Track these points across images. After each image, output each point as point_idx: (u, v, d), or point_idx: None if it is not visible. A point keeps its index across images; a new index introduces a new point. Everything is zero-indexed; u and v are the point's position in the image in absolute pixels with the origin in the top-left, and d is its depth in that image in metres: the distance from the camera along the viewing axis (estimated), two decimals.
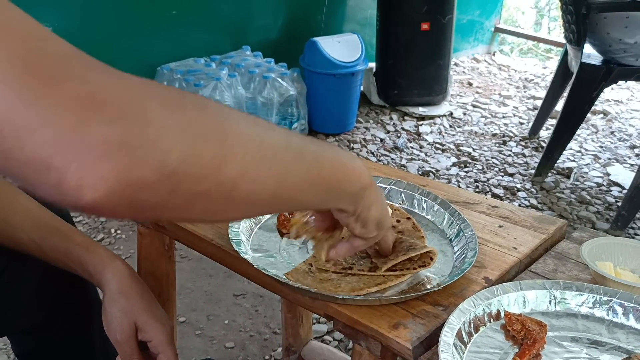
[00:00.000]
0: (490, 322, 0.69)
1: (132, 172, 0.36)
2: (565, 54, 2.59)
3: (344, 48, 2.68)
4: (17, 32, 0.35)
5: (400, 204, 0.95)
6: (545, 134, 2.85)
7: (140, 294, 0.82)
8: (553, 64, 4.12)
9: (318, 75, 2.65)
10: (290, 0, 3.06)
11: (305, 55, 2.70)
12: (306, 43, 2.69)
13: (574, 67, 2.38)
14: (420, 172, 2.48)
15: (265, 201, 0.48)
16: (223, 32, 2.85)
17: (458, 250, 0.82)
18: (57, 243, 0.82)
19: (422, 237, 0.85)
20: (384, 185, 0.97)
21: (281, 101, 2.55)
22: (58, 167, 0.34)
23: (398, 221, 0.88)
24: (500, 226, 0.90)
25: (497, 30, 4.16)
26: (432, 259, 0.77)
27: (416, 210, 0.93)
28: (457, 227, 0.86)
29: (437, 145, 2.74)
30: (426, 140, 2.79)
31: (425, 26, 2.92)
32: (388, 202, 0.93)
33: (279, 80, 2.54)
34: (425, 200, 0.94)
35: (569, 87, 2.58)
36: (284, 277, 0.75)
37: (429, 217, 0.92)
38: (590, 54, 2.33)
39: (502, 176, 2.48)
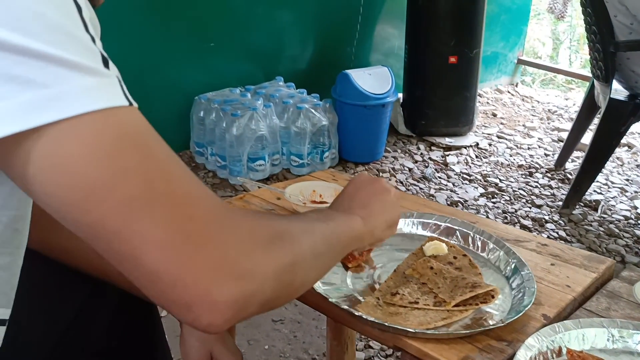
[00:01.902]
0: (553, 357, 0.74)
1: (245, 312, 0.50)
2: (591, 88, 2.65)
3: (374, 80, 2.76)
4: (177, 201, 0.46)
5: (455, 241, 1.00)
6: (571, 166, 2.89)
7: None
8: (575, 95, 4.18)
9: (349, 106, 2.73)
10: (321, 33, 3.16)
11: (337, 86, 2.78)
12: (338, 75, 2.78)
13: (602, 102, 2.43)
14: (448, 202, 2.54)
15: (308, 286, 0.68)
16: (257, 63, 2.95)
17: (515, 287, 0.88)
18: None
19: (479, 274, 0.90)
20: (439, 223, 1.03)
21: (314, 131, 2.63)
22: (198, 312, 0.47)
23: (455, 258, 0.93)
24: (552, 264, 0.95)
25: (520, 62, 4.23)
26: (493, 296, 0.82)
27: (471, 248, 0.99)
28: (513, 264, 0.91)
29: (465, 176, 2.80)
30: (453, 170, 2.85)
31: (452, 59, 3.00)
32: (444, 239, 0.99)
33: (312, 110, 2.62)
34: (479, 238, 0.99)
35: (595, 121, 2.63)
36: (357, 310, 0.80)
37: (484, 254, 0.97)
38: (617, 88, 2.39)
39: (530, 207, 2.52)
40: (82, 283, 0.89)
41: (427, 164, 2.90)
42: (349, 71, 2.76)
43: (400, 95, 3.17)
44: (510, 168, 2.91)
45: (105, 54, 0.45)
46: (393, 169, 2.82)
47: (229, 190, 2.50)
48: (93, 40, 0.44)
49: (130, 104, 0.45)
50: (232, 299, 0.47)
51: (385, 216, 0.80)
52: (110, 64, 0.45)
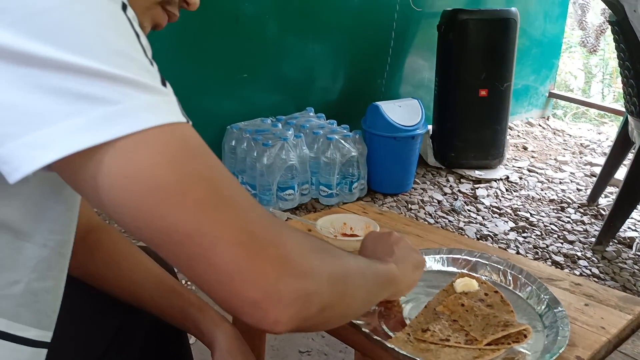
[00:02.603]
0: None
1: (307, 312, 0.52)
2: (625, 122, 2.62)
3: (404, 112, 2.78)
4: (240, 205, 0.49)
5: (486, 276, 1.00)
6: (604, 201, 2.84)
7: (245, 354, 0.89)
8: (607, 129, 4.13)
9: (379, 138, 2.74)
10: (352, 65, 3.20)
11: (367, 118, 2.81)
12: (368, 107, 2.81)
13: (636, 137, 2.40)
14: (478, 236, 2.51)
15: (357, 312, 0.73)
16: (288, 94, 3.00)
17: (548, 326, 0.86)
18: (174, 302, 0.90)
19: (511, 311, 0.89)
20: (469, 258, 1.02)
21: (343, 161, 2.65)
22: (264, 307, 0.49)
23: (486, 294, 0.93)
24: (586, 304, 0.93)
25: (552, 95, 4.21)
26: (526, 336, 0.81)
27: (503, 284, 0.98)
28: (546, 302, 0.90)
29: (494, 209, 2.77)
30: (483, 203, 2.82)
31: (483, 92, 3.00)
32: (475, 274, 0.98)
33: (342, 141, 2.64)
34: (511, 274, 0.98)
35: (630, 156, 2.59)
36: (389, 344, 0.80)
37: (516, 291, 0.96)
38: None
39: (562, 243, 2.48)
40: (116, 310, 0.91)
41: (456, 197, 2.88)
42: (379, 103, 2.79)
43: (430, 127, 3.18)
44: (542, 202, 2.88)
45: (161, 75, 0.49)
46: (422, 200, 2.81)
47: None
48: (151, 63, 0.48)
49: (188, 121, 0.49)
50: (295, 295, 0.50)
51: (410, 259, 0.85)
52: (167, 84, 0.49)
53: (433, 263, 1.03)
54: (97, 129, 0.43)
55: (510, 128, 3.87)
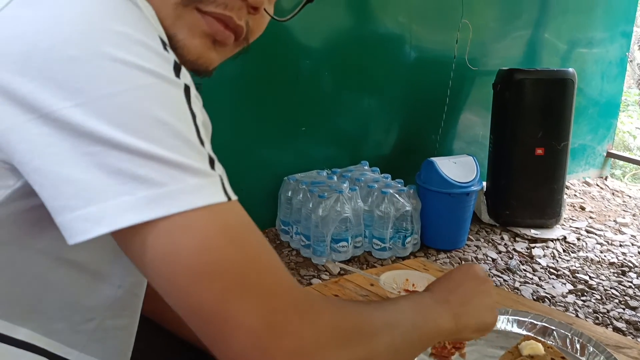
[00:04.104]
0: None
1: None
2: None
3: (459, 169, 2.79)
4: (267, 292, 0.51)
5: (552, 342, 0.99)
6: None
7: None
8: None
9: (434, 193, 2.75)
10: (407, 120, 3.26)
11: (422, 173, 2.83)
12: (423, 162, 2.83)
13: None
14: (534, 297, 2.45)
15: None
16: (343, 148, 3.07)
17: None
18: None
19: None
20: (535, 322, 1.02)
21: (397, 215, 2.66)
22: None
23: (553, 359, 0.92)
24: None
25: (610, 155, 4.13)
26: None
27: (569, 350, 0.97)
28: None
29: (552, 270, 2.71)
30: (539, 263, 2.77)
31: (539, 151, 2.99)
32: (541, 339, 0.98)
33: (396, 195, 2.67)
34: (578, 341, 0.97)
35: None
36: None
37: (583, 358, 0.95)
38: None
39: (624, 309, 2.39)
40: (186, 350, 0.95)
41: (511, 256, 2.84)
42: (434, 159, 2.81)
43: (484, 183, 3.17)
44: (601, 265, 2.80)
45: (212, 155, 0.53)
46: (476, 258, 2.78)
47: (311, 270, 2.55)
48: (202, 143, 0.52)
49: (229, 199, 0.52)
50: None
51: (479, 319, 0.78)
52: (216, 163, 0.53)
53: (498, 323, 1.03)
54: (142, 208, 0.47)
55: (567, 187, 3.81)
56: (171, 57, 0.52)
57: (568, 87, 2.99)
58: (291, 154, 2.90)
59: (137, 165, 0.48)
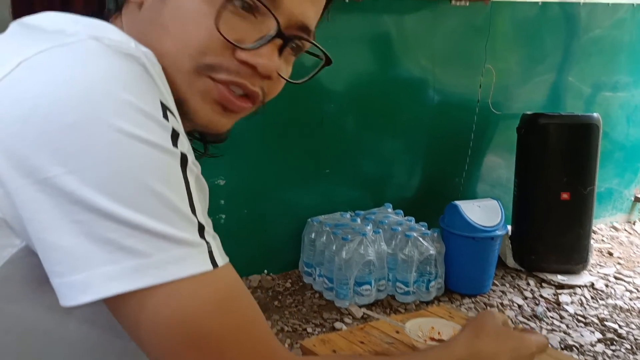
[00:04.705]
0: None
1: None
2: None
3: (484, 213, 2.78)
4: (257, 357, 0.53)
5: None
6: None
7: None
8: None
9: (458, 237, 2.74)
10: (430, 162, 3.27)
11: (446, 216, 2.82)
12: (447, 206, 2.83)
13: None
14: (562, 346, 2.40)
15: None
16: (367, 190, 3.09)
17: None
18: None
19: None
20: None
21: (421, 259, 2.65)
22: None
23: None
24: None
25: (638, 199, 4.07)
26: None
27: None
28: None
29: (579, 318, 2.65)
30: (567, 310, 2.71)
31: (565, 195, 2.97)
32: None
33: (420, 239, 2.66)
34: None
35: None
36: None
37: None
38: None
39: None
40: None
41: (537, 302, 2.78)
42: (458, 202, 2.81)
43: (509, 227, 3.14)
44: (631, 313, 2.73)
45: (203, 222, 0.54)
46: (501, 304, 2.74)
47: (334, 313, 2.53)
48: (194, 211, 0.53)
49: (216, 266, 0.53)
50: None
51: None
52: (206, 230, 0.54)
53: None
54: (127, 278, 0.48)
55: (594, 232, 3.75)
56: (170, 125, 0.53)
57: (593, 132, 2.98)
58: (315, 196, 2.92)
59: (125, 235, 0.48)
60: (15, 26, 0.61)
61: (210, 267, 0.52)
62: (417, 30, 3.10)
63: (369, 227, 2.67)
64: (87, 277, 0.48)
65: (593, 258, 3.29)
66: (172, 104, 0.56)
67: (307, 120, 2.87)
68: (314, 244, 2.74)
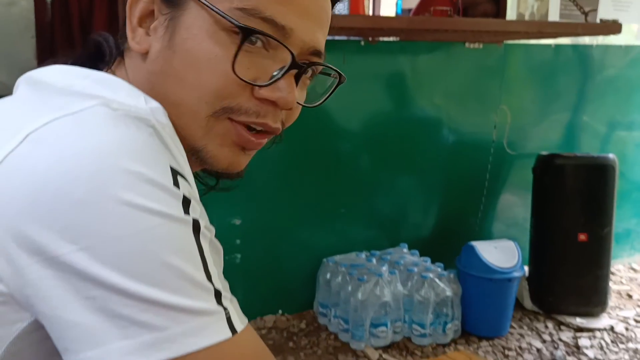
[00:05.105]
0: None
1: None
2: None
3: (500, 254, 2.76)
4: None
5: None
6: None
7: None
8: None
9: (474, 278, 2.72)
10: (445, 202, 3.27)
11: (462, 257, 2.81)
12: (463, 246, 2.82)
13: None
14: None
15: None
16: (382, 229, 3.08)
17: None
18: None
19: None
20: None
21: (437, 301, 2.62)
22: None
23: None
24: None
25: None
26: None
27: None
28: None
29: None
30: (587, 355, 2.66)
31: (582, 237, 2.94)
32: None
33: (437, 280, 2.64)
34: None
35: None
36: None
37: None
38: None
39: None
40: None
41: (556, 345, 2.73)
42: (474, 243, 2.79)
43: (526, 268, 3.11)
44: None
45: (218, 288, 0.53)
46: (520, 347, 2.69)
47: (349, 355, 2.50)
48: (210, 277, 0.52)
49: (235, 332, 0.52)
50: None
51: None
52: (223, 295, 0.53)
53: None
54: (143, 353, 0.48)
55: (613, 274, 3.69)
56: (180, 192, 0.52)
57: (609, 173, 2.97)
58: (330, 235, 2.92)
59: (139, 310, 0.48)
60: (24, 86, 0.60)
61: (229, 334, 0.52)
62: (431, 71, 3.14)
63: (384, 268, 2.65)
64: (103, 352, 0.48)
65: (612, 300, 3.23)
66: (183, 164, 0.56)
67: (322, 160, 2.89)
68: (329, 284, 2.72)
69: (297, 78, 0.63)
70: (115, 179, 0.48)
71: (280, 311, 2.78)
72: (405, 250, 2.96)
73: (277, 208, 2.78)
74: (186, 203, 0.52)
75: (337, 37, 2.76)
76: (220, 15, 0.59)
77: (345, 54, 2.79)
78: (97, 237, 0.47)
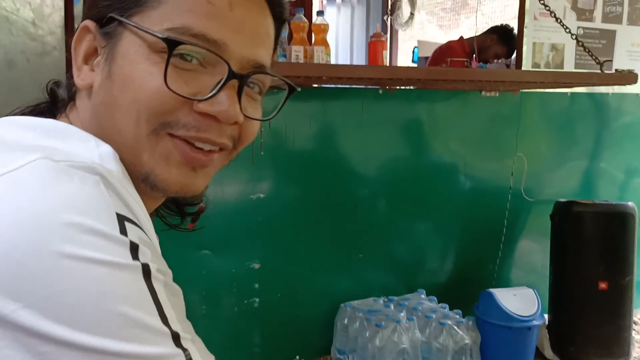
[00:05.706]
0: None
1: None
2: None
3: (520, 301, 2.74)
4: None
5: None
6: None
7: None
8: None
9: (493, 326, 2.69)
10: (463, 248, 3.26)
11: (480, 305, 2.79)
12: (482, 293, 2.80)
13: None
14: None
15: None
16: (400, 275, 3.08)
17: None
18: None
19: None
20: None
21: (456, 349, 2.60)
22: None
23: None
24: None
25: None
26: None
27: None
28: None
29: None
30: None
31: (603, 285, 2.91)
32: None
33: (455, 327, 2.62)
34: None
35: None
36: None
37: None
38: None
39: None
40: None
41: None
42: (493, 290, 2.78)
43: (546, 316, 3.07)
44: None
45: (176, 330, 0.53)
46: None
47: None
48: (166, 321, 0.52)
49: None
50: None
51: None
52: (182, 337, 0.53)
53: None
54: None
55: (635, 323, 3.62)
56: (127, 239, 0.52)
57: (629, 221, 2.96)
58: (348, 281, 2.93)
59: None
60: None
61: None
62: (448, 118, 3.19)
63: (402, 314, 2.64)
64: None
65: (635, 351, 3.17)
66: (136, 207, 0.55)
67: (340, 205, 2.92)
68: (346, 330, 2.71)
69: (240, 91, 0.63)
70: (54, 234, 0.48)
71: (297, 357, 2.76)
72: (423, 296, 2.94)
73: (295, 253, 2.80)
74: (134, 248, 0.52)
75: (354, 86, 2.84)
76: (150, 34, 0.60)
77: (363, 102, 2.86)
78: (41, 293, 0.47)
